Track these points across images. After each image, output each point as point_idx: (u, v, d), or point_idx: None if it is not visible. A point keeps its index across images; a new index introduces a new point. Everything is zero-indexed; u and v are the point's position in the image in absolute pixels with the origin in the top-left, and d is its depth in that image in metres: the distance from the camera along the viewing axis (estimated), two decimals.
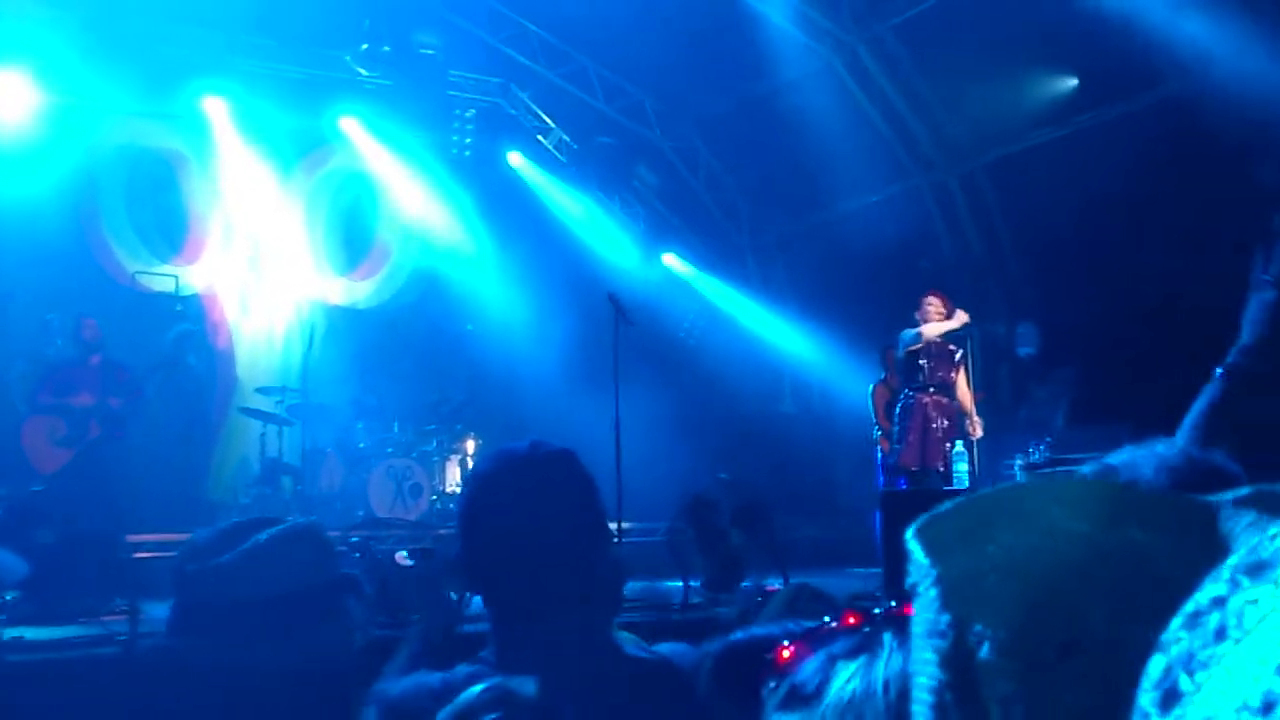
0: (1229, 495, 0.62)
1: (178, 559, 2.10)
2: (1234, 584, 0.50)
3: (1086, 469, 1.73)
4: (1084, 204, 10.58)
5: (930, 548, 0.64)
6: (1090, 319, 10.52)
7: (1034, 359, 10.83)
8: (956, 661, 0.59)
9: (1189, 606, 0.52)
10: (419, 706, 1.94)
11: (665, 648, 2.14)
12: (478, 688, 1.49)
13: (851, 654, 0.91)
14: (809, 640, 0.96)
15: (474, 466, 2.08)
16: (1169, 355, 9.75)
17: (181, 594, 2.05)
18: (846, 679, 0.89)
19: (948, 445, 9.29)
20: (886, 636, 0.91)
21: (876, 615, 0.95)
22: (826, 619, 0.98)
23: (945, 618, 0.61)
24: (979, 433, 9.55)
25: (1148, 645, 0.53)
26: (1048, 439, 9.77)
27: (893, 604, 0.95)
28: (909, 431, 9.33)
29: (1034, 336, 10.81)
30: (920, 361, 9.39)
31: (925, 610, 0.63)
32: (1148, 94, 10.05)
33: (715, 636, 1.68)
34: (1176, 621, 0.52)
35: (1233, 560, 0.52)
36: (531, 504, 1.95)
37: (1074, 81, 10.85)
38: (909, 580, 0.65)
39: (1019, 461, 9.84)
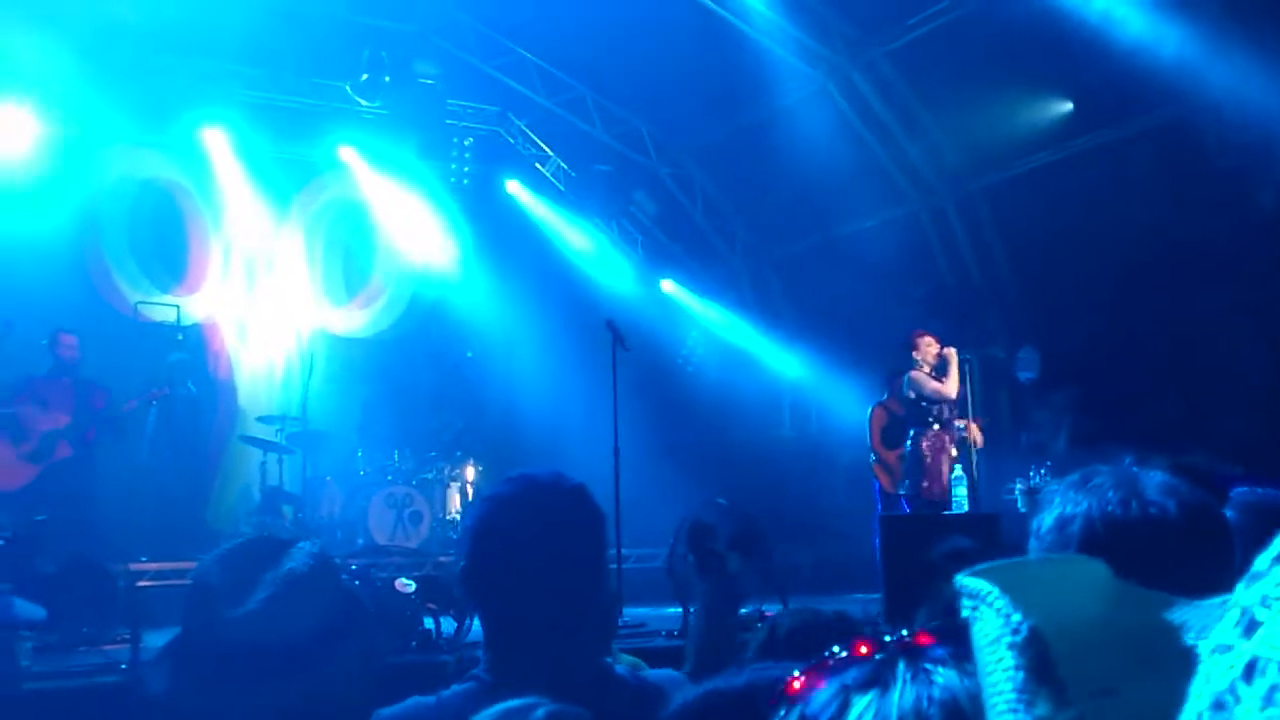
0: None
1: (193, 598, 2.03)
2: None
3: (1103, 476, 1.75)
4: (1081, 227, 10.61)
5: (986, 578, 0.75)
6: (1089, 342, 10.54)
7: (1034, 383, 10.85)
8: (1035, 656, 0.70)
9: (1247, 574, 0.62)
10: None
11: (656, 674, 2.19)
12: (538, 710, 1.48)
13: (864, 685, 0.92)
14: (820, 669, 0.96)
15: (494, 487, 2.11)
16: (1168, 377, 9.80)
17: (199, 638, 2.01)
18: (860, 712, 0.90)
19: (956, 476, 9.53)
20: (900, 667, 0.92)
21: (889, 644, 0.96)
22: (835, 648, 0.98)
23: (1017, 616, 0.71)
24: (980, 441, 9.79)
25: (1163, 693, 0.66)
26: (1048, 463, 9.78)
27: (904, 633, 0.96)
28: (934, 467, 9.53)
29: (1034, 361, 10.84)
30: (934, 404, 9.64)
31: (994, 618, 0.73)
32: (1144, 118, 10.08)
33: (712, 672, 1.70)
34: (1242, 585, 0.62)
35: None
36: (544, 530, 2.02)
37: (1069, 105, 10.87)
38: (966, 612, 0.76)
39: (1019, 486, 9.86)
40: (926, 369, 9.85)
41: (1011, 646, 0.71)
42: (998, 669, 0.71)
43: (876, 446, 10.69)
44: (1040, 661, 0.69)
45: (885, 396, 10.86)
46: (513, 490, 2.08)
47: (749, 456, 13.77)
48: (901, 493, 10.01)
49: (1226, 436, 8.61)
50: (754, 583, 7.67)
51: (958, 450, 9.80)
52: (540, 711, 1.45)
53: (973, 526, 8.10)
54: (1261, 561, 0.62)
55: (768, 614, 7.46)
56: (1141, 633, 0.72)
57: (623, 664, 2.56)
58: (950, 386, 9.73)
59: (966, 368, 10.07)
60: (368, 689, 2.15)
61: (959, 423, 9.93)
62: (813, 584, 10.56)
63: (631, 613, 8.30)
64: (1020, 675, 0.70)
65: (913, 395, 9.86)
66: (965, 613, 0.75)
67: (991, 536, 7.81)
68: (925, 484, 9.63)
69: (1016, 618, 0.71)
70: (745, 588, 7.68)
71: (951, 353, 9.81)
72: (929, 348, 9.87)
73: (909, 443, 9.86)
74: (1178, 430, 9.29)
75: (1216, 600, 0.73)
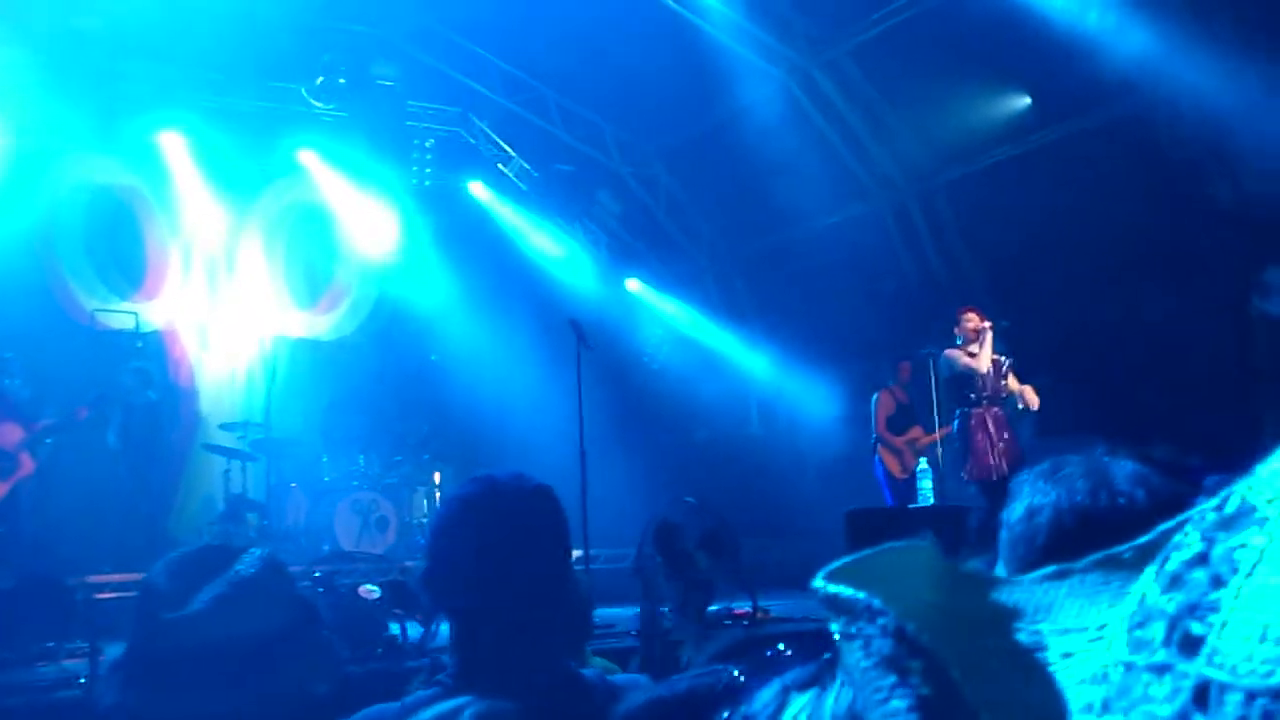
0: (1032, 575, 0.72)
1: (140, 605, 2.01)
2: (1208, 540, 0.56)
3: (1073, 465, 1.74)
4: (1043, 220, 10.67)
5: (851, 582, 0.67)
6: (1055, 334, 10.60)
7: None
8: (935, 679, 0.62)
9: (1157, 578, 0.58)
10: None
11: (625, 679, 2.16)
12: (467, 710, 1.47)
13: (806, 684, 0.90)
14: (764, 668, 0.95)
15: (456, 488, 2.08)
16: (1133, 366, 9.87)
17: (145, 645, 1.98)
18: (795, 712, 0.88)
19: (1014, 451, 9.38)
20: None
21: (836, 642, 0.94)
22: (781, 646, 0.97)
23: (922, 637, 0.63)
24: (1036, 404, 9.64)
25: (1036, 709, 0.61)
26: None
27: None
28: (975, 445, 9.42)
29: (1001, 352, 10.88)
30: (975, 381, 9.50)
31: (880, 637, 0.64)
32: (1101, 111, 10.14)
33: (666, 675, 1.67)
34: (1153, 588, 0.58)
35: (1190, 529, 0.58)
36: (506, 532, 1.99)
37: (1028, 100, 10.93)
38: (838, 627, 0.67)
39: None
40: (966, 348, 9.71)
41: (906, 672, 0.63)
42: (892, 696, 0.64)
43: (882, 431, 10.72)
44: (942, 686, 0.62)
45: (891, 382, 10.90)
46: (473, 491, 2.06)
47: (717, 455, 13.78)
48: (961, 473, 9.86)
49: (1191, 427, 8.67)
50: (724, 581, 7.66)
51: (994, 426, 9.57)
52: (468, 712, 1.43)
53: (940, 520, 8.13)
54: (1174, 563, 0.57)
55: (737, 611, 7.46)
56: (986, 623, 0.67)
57: (594, 667, 2.55)
58: (979, 360, 9.55)
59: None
60: (327, 697, 2.10)
61: (1016, 389, 9.66)
62: (782, 581, 10.54)
63: (600, 613, 8.25)
64: (917, 697, 0.63)
65: (946, 374, 9.77)
66: (835, 628, 0.67)
67: (959, 530, 7.83)
68: (968, 464, 9.53)
69: (910, 637, 0.63)
70: (714, 586, 7.68)
71: (986, 325, 9.65)
72: (969, 323, 9.69)
73: (955, 423, 9.77)
74: (1144, 421, 9.36)
75: (1035, 575, 0.70)
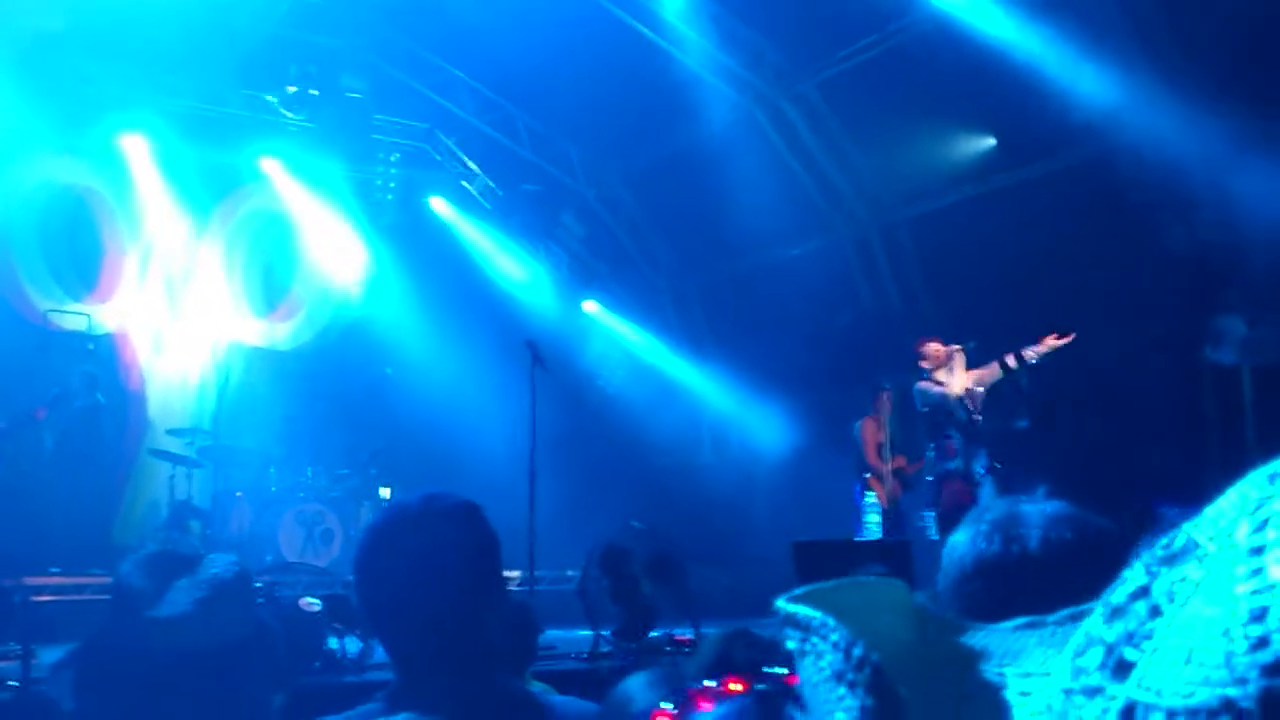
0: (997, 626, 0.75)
1: (115, 602, 1.97)
2: (1152, 574, 0.58)
3: (995, 507, 1.79)
4: (1001, 259, 10.77)
5: (811, 604, 0.71)
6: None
7: None
8: (881, 693, 0.66)
9: (1102, 610, 0.60)
10: None
11: (560, 700, 2.16)
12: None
13: None
14: (690, 702, 0.96)
15: (373, 515, 2.08)
16: (1086, 404, 9.97)
17: (115, 642, 1.94)
18: None
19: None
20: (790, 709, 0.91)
21: (760, 685, 0.95)
22: (707, 682, 0.97)
23: (859, 651, 0.67)
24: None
25: None
26: None
27: (784, 671, 0.94)
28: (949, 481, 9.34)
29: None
30: (950, 408, 9.42)
31: (831, 652, 0.68)
32: (1063, 154, 10.26)
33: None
34: (1097, 619, 0.60)
35: (1137, 564, 0.60)
36: (417, 558, 1.97)
37: (992, 141, 11.07)
38: (793, 644, 0.71)
39: (934, 512, 9.90)
40: (935, 376, 9.59)
41: (854, 684, 0.67)
42: (838, 708, 0.68)
43: (873, 462, 10.58)
44: (887, 698, 0.66)
45: (870, 412, 10.81)
46: (384, 519, 2.07)
47: (668, 480, 13.77)
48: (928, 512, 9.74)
49: (1142, 465, 8.78)
50: (668, 607, 7.65)
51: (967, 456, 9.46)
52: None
53: (886, 553, 8.16)
54: (1118, 595, 0.60)
55: (679, 638, 7.45)
56: (949, 662, 0.70)
57: (534, 689, 2.54)
58: (954, 381, 9.45)
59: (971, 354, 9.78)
60: (280, 707, 2.09)
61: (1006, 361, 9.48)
62: (730, 608, 10.54)
63: (547, 636, 8.21)
64: (861, 707, 0.67)
65: (925, 409, 9.66)
66: (791, 645, 0.72)
67: (904, 564, 7.87)
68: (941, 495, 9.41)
69: (858, 652, 0.67)
70: (659, 611, 7.67)
71: (956, 349, 9.53)
72: (935, 355, 9.59)
73: (929, 454, 9.70)
74: (1095, 459, 9.45)
75: (1008, 625, 0.73)
